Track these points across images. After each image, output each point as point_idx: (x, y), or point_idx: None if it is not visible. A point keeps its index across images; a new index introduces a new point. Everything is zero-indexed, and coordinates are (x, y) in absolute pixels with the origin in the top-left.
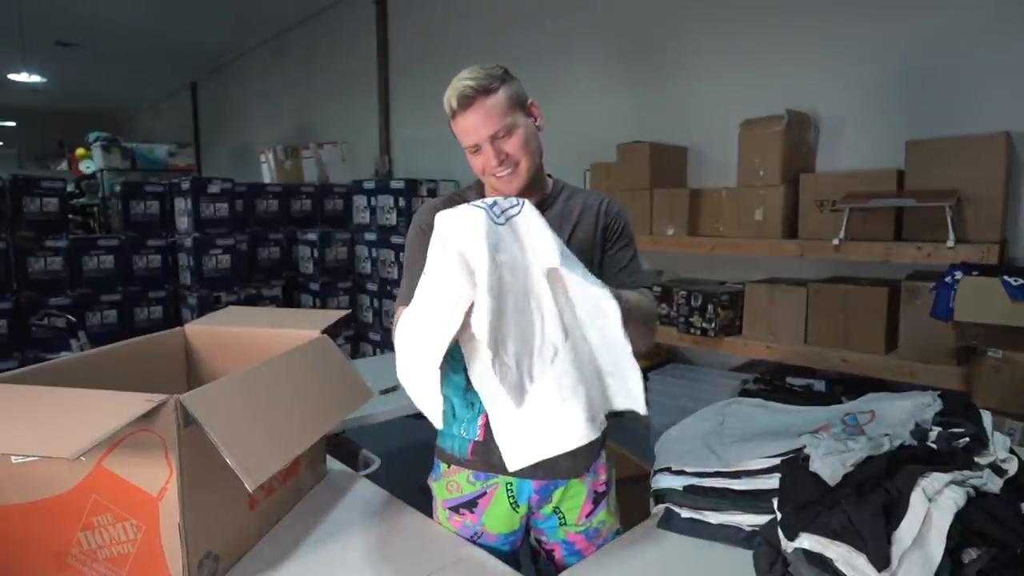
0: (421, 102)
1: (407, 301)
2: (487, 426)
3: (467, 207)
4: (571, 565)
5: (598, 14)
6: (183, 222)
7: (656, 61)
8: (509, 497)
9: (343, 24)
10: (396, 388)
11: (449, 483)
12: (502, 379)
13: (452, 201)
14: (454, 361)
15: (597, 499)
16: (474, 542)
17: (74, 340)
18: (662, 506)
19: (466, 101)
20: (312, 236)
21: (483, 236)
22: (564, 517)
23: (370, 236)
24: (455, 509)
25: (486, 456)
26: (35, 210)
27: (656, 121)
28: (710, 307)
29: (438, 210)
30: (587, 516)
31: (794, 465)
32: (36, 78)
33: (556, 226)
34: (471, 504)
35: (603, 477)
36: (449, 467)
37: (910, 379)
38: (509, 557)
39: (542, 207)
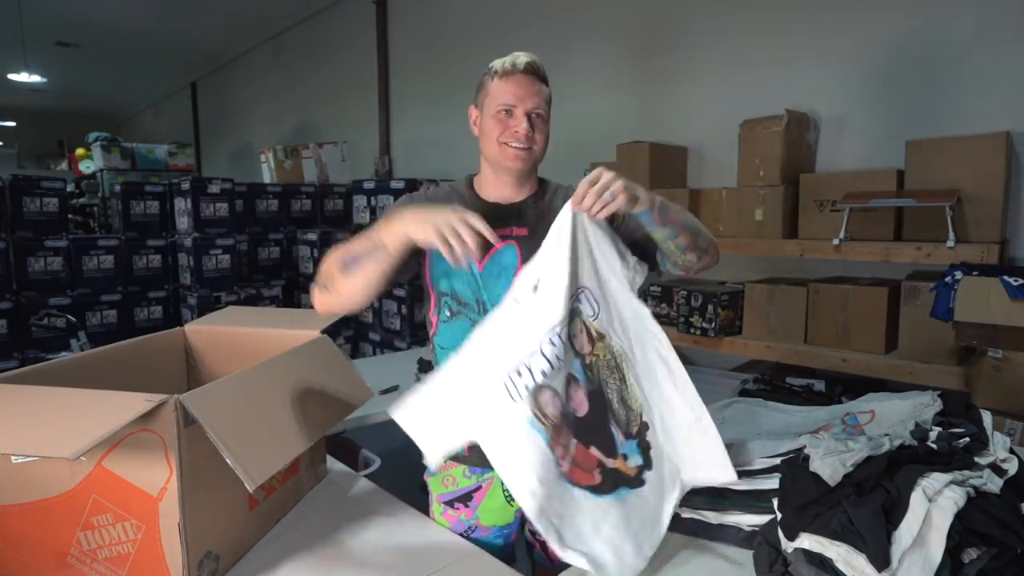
0: (421, 102)
1: (343, 249)
2: None
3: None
4: None
5: (597, 14)
6: (183, 222)
7: (656, 61)
8: (504, 490)
9: (343, 24)
10: (396, 388)
11: (444, 477)
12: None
13: (439, 195)
14: (442, 351)
15: None
16: (468, 535)
17: (74, 340)
18: None
19: (528, 68)
20: (312, 236)
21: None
22: None
23: None
24: (450, 503)
25: (481, 452)
26: (35, 210)
27: (656, 121)
28: (710, 307)
29: (416, 199)
30: None
31: (794, 465)
32: (36, 78)
33: (543, 219)
34: (466, 498)
35: None
36: (444, 462)
37: (910, 379)
38: (504, 550)
39: (532, 200)
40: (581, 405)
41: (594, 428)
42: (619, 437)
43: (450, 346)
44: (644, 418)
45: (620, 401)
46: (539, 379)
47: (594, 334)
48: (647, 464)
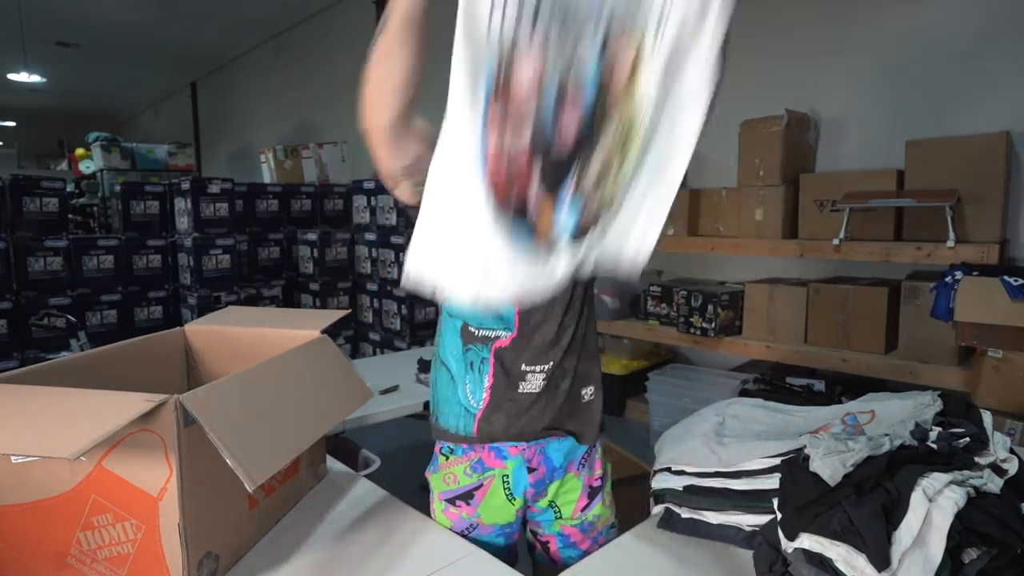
0: (421, 102)
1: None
2: (493, 387)
3: None
4: (567, 556)
5: None
6: (183, 222)
7: None
8: (505, 489)
9: (343, 24)
10: (396, 388)
11: (446, 475)
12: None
13: None
14: (451, 319)
15: (592, 494)
16: (468, 534)
17: (74, 340)
18: (662, 506)
19: None
20: (312, 236)
21: None
22: (559, 511)
23: (370, 236)
24: (451, 501)
25: (486, 425)
26: (35, 210)
27: None
28: (710, 307)
29: None
30: (582, 510)
31: (794, 465)
32: (36, 78)
33: None
34: (467, 496)
35: (598, 472)
36: (447, 459)
37: (910, 379)
38: (505, 550)
39: None
40: (566, 131)
41: (555, 166)
42: (566, 195)
43: (459, 315)
44: (599, 213)
45: (596, 178)
46: (530, 19)
47: (639, 65)
48: (565, 240)
